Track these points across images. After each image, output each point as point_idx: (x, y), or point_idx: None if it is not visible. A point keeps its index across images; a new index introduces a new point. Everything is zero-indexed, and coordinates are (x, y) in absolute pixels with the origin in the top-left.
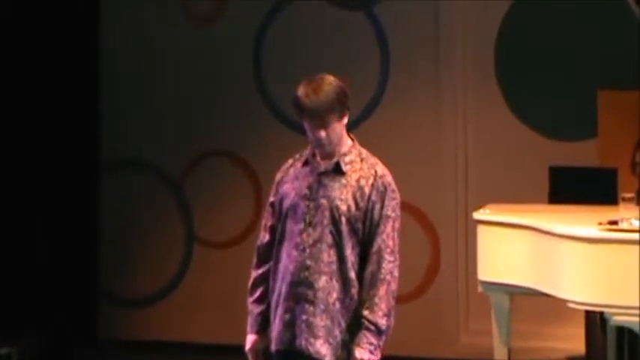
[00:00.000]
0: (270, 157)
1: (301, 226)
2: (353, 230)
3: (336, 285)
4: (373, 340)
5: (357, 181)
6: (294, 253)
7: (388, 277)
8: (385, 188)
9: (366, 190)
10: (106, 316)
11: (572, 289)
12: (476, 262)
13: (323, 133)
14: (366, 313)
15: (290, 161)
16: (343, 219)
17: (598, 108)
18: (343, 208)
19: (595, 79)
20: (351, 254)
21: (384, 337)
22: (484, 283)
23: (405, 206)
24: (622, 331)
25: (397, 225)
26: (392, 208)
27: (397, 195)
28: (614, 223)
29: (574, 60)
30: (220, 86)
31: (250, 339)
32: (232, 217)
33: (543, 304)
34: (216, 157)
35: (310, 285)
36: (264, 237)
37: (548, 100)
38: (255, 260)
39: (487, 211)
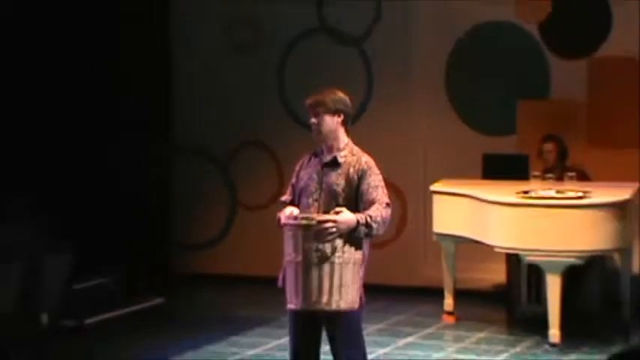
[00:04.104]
0: (290, 148)
1: (310, 200)
2: (349, 200)
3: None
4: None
5: (348, 169)
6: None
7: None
8: (369, 168)
9: (353, 175)
10: (175, 258)
11: (497, 238)
12: (432, 219)
13: (314, 120)
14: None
15: (306, 156)
16: (339, 198)
17: (517, 113)
18: (338, 190)
19: (516, 91)
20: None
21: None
22: (437, 234)
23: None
24: (531, 267)
25: (385, 191)
26: (377, 180)
27: (378, 172)
28: (527, 192)
29: (500, 75)
30: (255, 99)
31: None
32: (261, 190)
33: (477, 248)
34: (251, 146)
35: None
36: (287, 199)
37: (485, 107)
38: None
39: (440, 184)
